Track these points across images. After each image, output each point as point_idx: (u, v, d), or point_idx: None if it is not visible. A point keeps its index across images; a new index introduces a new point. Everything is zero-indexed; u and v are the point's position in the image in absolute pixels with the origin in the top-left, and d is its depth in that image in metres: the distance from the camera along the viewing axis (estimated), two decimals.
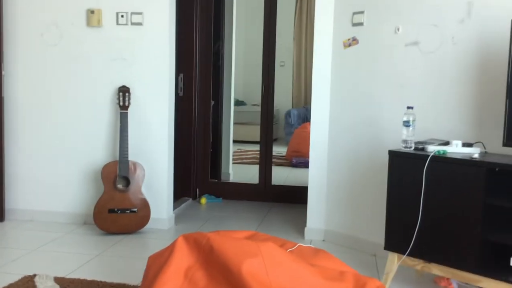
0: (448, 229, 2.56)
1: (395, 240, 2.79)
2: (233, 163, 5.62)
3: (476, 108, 2.90)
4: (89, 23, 3.83)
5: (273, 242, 2.04)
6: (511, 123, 2.49)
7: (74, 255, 3.27)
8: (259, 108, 4.99)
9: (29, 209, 4.02)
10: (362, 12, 3.41)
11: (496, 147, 2.68)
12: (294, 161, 6.48)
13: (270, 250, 1.94)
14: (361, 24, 3.43)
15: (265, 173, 4.90)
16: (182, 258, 2.01)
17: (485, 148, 2.72)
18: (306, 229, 3.76)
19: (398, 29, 3.23)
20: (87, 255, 3.25)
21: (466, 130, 2.93)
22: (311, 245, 2.32)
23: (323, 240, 3.70)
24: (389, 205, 2.82)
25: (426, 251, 2.66)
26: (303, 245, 2.24)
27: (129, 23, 3.80)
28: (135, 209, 3.69)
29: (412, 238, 2.66)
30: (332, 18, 3.58)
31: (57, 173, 3.98)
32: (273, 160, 5.00)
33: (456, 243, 2.54)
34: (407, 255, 2.70)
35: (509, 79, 2.51)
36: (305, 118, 7.84)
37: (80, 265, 3.07)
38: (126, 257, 3.26)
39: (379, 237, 3.17)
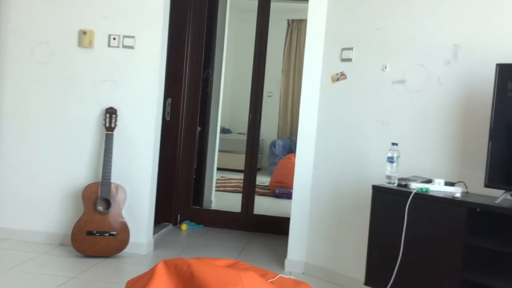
0: (428, 267, 2.57)
1: (375, 276, 2.79)
2: (216, 190, 5.60)
3: (459, 148, 2.95)
4: (80, 44, 3.84)
5: (254, 271, 2.03)
6: (493, 164, 2.54)
7: (49, 276, 3.19)
8: (244, 137, 5.01)
9: (6, 227, 3.93)
10: (351, 49, 3.48)
11: (478, 188, 2.72)
12: (277, 191, 6.48)
13: (251, 280, 1.92)
14: (349, 60, 3.49)
15: (247, 202, 4.88)
16: (162, 284, 1.98)
17: (467, 188, 2.76)
18: (286, 260, 3.73)
19: (386, 67, 3.30)
20: (62, 278, 3.18)
21: (448, 169, 2.97)
22: (291, 277, 2.30)
23: (303, 273, 3.67)
24: (371, 240, 2.83)
25: None
26: (284, 276, 2.23)
27: (121, 45, 3.82)
28: (114, 233, 3.64)
29: (392, 275, 2.66)
30: (322, 53, 3.65)
31: (36, 192, 3.91)
32: (256, 189, 5.00)
33: (436, 282, 2.54)
34: None
35: (492, 122, 2.57)
36: (290, 149, 7.89)
37: None
38: (102, 281, 3.19)
39: (359, 272, 3.17)
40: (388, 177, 2.82)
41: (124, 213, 3.70)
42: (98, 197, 3.63)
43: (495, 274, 2.49)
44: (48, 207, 3.90)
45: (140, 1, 3.79)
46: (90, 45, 3.83)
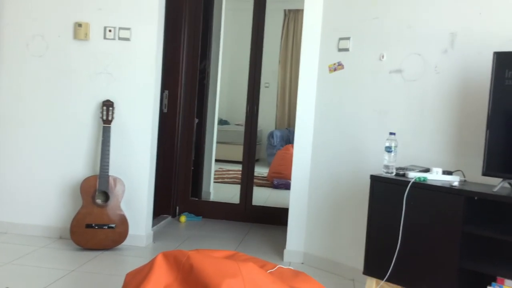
0: (427, 255, 2.58)
1: (374, 265, 2.80)
2: (214, 182, 5.60)
3: (457, 137, 2.95)
4: (76, 36, 3.82)
5: (253, 262, 2.03)
6: (491, 153, 2.54)
7: (48, 270, 3.19)
8: (242, 128, 5.00)
9: (4, 221, 3.93)
10: (348, 38, 3.47)
11: (476, 176, 2.73)
12: (275, 182, 6.48)
13: (250, 271, 1.93)
14: (346, 49, 3.48)
15: (246, 193, 4.88)
16: (161, 276, 1.98)
17: (464, 177, 2.77)
18: (285, 251, 3.74)
19: (383, 56, 3.28)
20: (61, 271, 3.18)
21: (446, 158, 2.97)
22: (290, 267, 2.31)
23: (302, 263, 3.68)
24: (369, 229, 2.83)
25: (404, 277, 2.67)
26: (283, 267, 2.23)
27: (117, 38, 3.80)
28: (113, 225, 3.64)
29: (391, 264, 2.67)
30: (319, 43, 3.63)
31: (34, 185, 3.91)
32: (254, 180, 5.00)
33: (434, 270, 2.55)
34: (386, 280, 2.71)
35: (489, 110, 2.57)
36: (288, 139, 7.88)
37: (54, 281, 3.00)
38: (102, 274, 3.20)
39: (358, 261, 3.18)
40: (386, 166, 2.82)
41: (123, 205, 3.70)
42: (96, 190, 3.63)
43: (493, 262, 2.50)
44: (46, 201, 3.90)
45: None
46: (86, 37, 3.80)
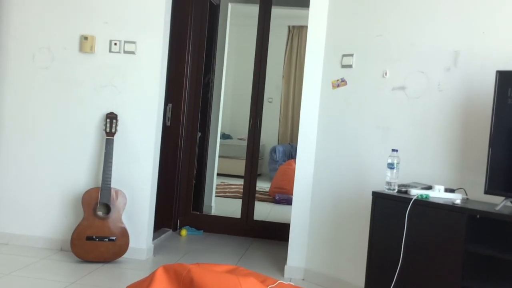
0: (428, 273, 2.57)
1: (376, 282, 2.78)
2: (216, 196, 5.60)
3: (459, 155, 2.95)
4: (81, 49, 3.85)
5: (254, 277, 2.02)
6: (493, 171, 2.54)
7: (48, 282, 3.18)
8: (244, 143, 5.01)
9: (5, 232, 3.93)
10: (351, 55, 3.49)
11: (478, 194, 2.72)
12: (277, 197, 6.47)
13: (251, 286, 1.92)
14: (350, 66, 3.50)
15: (247, 208, 4.87)
16: None
17: (467, 195, 2.76)
18: (286, 266, 3.72)
19: (386, 73, 3.30)
20: (61, 283, 3.17)
21: (448, 176, 2.97)
22: (291, 283, 2.30)
23: (303, 279, 3.66)
24: (371, 246, 2.82)
25: None
26: (284, 282, 2.22)
27: (122, 51, 3.83)
28: (114, 238, 3.63)
29: (393, 281, 2.65)
30: (322, 59, 3.66)
31: (36, 197, 3.91)
32: (256, 195, 4.99)
33: None
34: None
35: (492, 129, 2.57)
36: (290, 155, 7.89)
37: None
38: (102, 287, 3.19)
39: (360, 278, 3.16)
40: (388, 183, 2.82)
41: (124, 218, 3.70)
42: (98, 202, 3.63)
43: (495, 281, 2.48)
44: (48, 212, 3.90)
45: (141, 7, 3.81)
46: (91, 50, 3.84)
